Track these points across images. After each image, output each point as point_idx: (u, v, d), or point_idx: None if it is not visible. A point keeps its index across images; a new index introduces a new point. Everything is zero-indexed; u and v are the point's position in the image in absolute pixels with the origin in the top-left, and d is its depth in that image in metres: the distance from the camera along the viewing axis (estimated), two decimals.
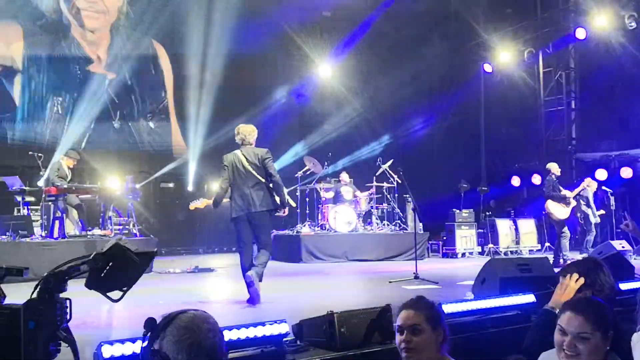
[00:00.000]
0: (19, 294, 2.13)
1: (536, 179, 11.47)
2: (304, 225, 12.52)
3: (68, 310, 2.04)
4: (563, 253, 10.55)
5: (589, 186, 12.52)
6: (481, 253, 13.22)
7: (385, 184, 13.05)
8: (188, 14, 14.36)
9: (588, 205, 12.33)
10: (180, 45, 14.52)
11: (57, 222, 9.53)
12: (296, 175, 12.63)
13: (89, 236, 9.68)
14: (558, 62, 16.72)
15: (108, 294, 2.12)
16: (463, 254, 13.14)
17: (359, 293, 7.67)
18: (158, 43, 15.04)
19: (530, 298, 4.50)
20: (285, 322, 3.55)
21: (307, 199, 12.91)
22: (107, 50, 14.35)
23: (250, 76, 14.36)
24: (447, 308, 4.08)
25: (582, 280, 2.99)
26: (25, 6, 13.27)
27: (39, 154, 10.57)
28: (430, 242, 13.35)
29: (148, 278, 9.01)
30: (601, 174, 14.27)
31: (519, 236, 13.61)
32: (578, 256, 9.88)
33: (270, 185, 6.52)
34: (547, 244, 13.45)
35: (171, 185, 14.65)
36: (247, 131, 6.62)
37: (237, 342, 3.37)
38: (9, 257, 7.92)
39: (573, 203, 10.85)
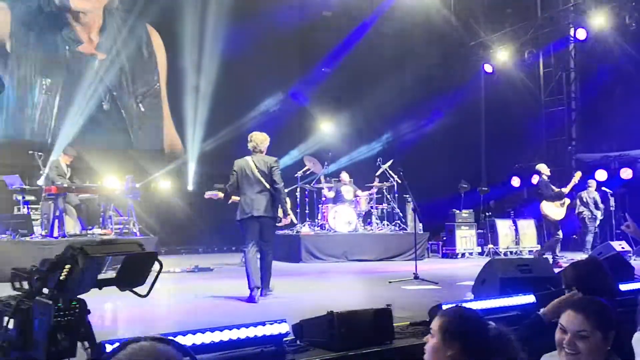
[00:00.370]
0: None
1: (536, 180, 11.51)
2: (304, 225, 12.52)
3: None
4: (556, 254, 10.58)
5: (589, 186, 12.55)
6: (481, 253, 13.22)
7: (385, 184, 13.05)
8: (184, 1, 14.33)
9: (587, 206, 12.35)
10: (176, 33, 14.38)
11: (57, 221, 9.52)
12: (296, 175, 12.62)
13: (89, 235, 9.67)
14: (558, 63, 16.73)
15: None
16: (463, 255, 13.14)
17: (358, 293, 7.67)
18: (152, 27, 14.93)
19: (530, 299, 4.51)
20: (285, 322, 3.56)
21: (307, 199, 12.91)
22: (99, 32, 14.18)
23: (248, 73, 14.31)
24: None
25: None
26: None
27: (39, 153, 10.57)
28: (430, 242, 13.36)
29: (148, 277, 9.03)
30: (601, 175, 14.27)
31: (518, 236, 13.62)
32: (579, 257, 9.88)
33: (274, 192, 6.79)
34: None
35: (171, 184, 14.64)
36: (260, 139, 6.93)
37: (237, 341, 3.38)
38: (9, 257, 7.90)
39: (567, 202, 10.83)
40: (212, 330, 3.32)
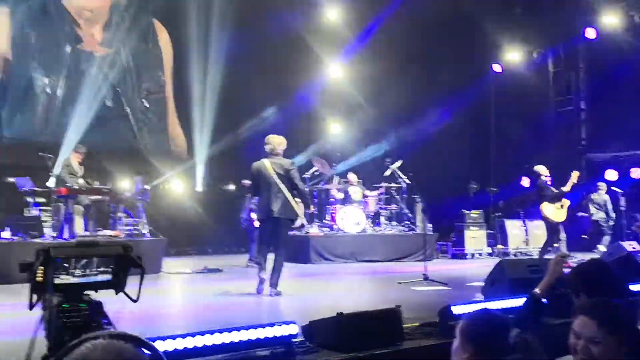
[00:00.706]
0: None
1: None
2: (313, 226, 12.51)
3: None
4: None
5: (600, 189, 12.48)
6: (490, 254, 13.17)
7: (394, 185, 13.02)
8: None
9: (600, 209, 12.27)
10: (182, 31, 14.35)
11: (67, 222, 9.58)
12: (304, 176, 12.62)
13: (98, 237, 9.71)
14: (568, 62, 16.64)
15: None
16: (472, 255, 13.09)
17: (367, 294, 7.67)
18: (159, 22, 14.90)
19: None
20: (295, 323, 3.56)
21: (316, 200, 12.91)
22: (103, 27, 14.14)
23: (255, 74, 14.33)
24: (457, 309, 4.07)
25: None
26: None
27: (49, 155, 10.62)
28: (439, 243, 13.32)
29: (158, 278, 9.06)
30: (611, 175, 14.18)
31: (528, 237, 13.55)
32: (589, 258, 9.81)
33: (295, 195, 6.98)
34: (556, 245, 13.36)
35: (180, 185, 14.68)
36: (277, 142, 7.07)
37: (247, 342, 3.38)
38: (20, 258, 7.93)
39: (567, 203, 10.72)
40: (222, 331, 3.33)
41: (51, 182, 10.43)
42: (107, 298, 2.30)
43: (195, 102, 14.60)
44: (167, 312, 5.85)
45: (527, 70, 16.45)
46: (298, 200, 7.15)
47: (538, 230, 13.65)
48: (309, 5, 15.59)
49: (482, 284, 5.98)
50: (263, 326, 3.43)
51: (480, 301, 5.02)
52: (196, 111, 14.59)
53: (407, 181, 12.46)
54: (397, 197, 13.17)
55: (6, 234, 8.97)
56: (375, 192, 13.12)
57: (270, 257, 7.01)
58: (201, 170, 14.75)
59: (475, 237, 13.20)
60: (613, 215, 12.34)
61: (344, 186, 12.99)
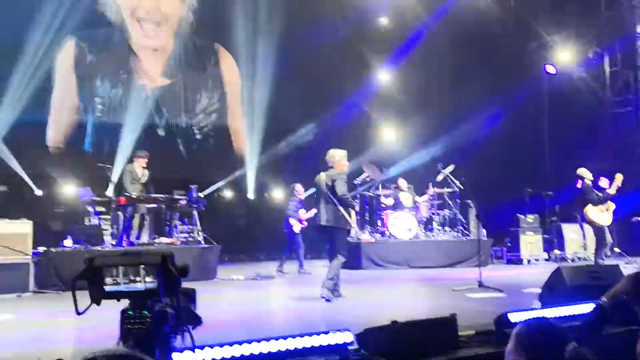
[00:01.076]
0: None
1: (603, 182, 11.12)
2: (364, 232, 12.50)
3: None
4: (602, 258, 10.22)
5: None
6: (547, 259, 12.88)
7: (446, 190, 12.88)
8: (248, 17, 14.49)
9: None
10: (243, 50, 14.59)
11: (125, 230, 9.89)
12: (355, 182, 12.63)
13: (156, 244, 9.97)
14: (625, 61, 16.10)
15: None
16: (528, 261, 12.82)
17: (421, 301, 7.60)
18: (221, 47, 15.03)
19: None
20: (349, 330, 3.57)
21: (367, 206, 12.89)
22: (166, 59, 14.42)
23: (306, 83, 14.45)
24: (514, 317, 4.01)
25: None
26: (86, 18, 13.18)
27: (108, 165, 10.98)
28: (494, 248, 13.11)
29: (212, 285, 9.23)
30: None
31: (586, 241, 13.16)
32: None
33: (338, 204, 7.36)
34: (617, 250, 12.95)
35: (232, 193, 14.90)
36: (330, 155, 7.60)
37: (301, 350, 3.41)
38: (81, 266, 8.23)
39: (612, 206, 10.41)
40: (277, 338, 3.37)
41: (110, 192, 10.77)
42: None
43: (246, 112, 14.82)
44: (221, 318, 5.93)
45: (582, 70, 16.00)
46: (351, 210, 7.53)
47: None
48: (359, 12, 15.62)
49: (539, 290, 5.84)
50: (318, 334, 3.46)
51: (538, 308, 4.91)
52: (246, 119, 14.80)
53: (460, 186, 12.31)
54: (450, 202, 13.01)
55: (68, 242, 9.32)
56: (425, 197, 13.00)
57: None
58: (252, 179, 14.92)
59: (531, 242, 12.94)
60: None
61: (394, 192, 12.93)
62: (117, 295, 2.19)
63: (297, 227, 11.21)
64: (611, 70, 16.33)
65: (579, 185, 10.87)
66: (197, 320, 2.32)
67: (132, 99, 13.67)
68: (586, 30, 15.36)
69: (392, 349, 3.61)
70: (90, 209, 10.75)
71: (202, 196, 11.54)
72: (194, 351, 2.82)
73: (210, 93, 15.05)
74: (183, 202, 10.80)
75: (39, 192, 12.16)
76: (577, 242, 13.15)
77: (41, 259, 8.61)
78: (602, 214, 10.29)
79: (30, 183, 12.10)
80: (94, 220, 10.63)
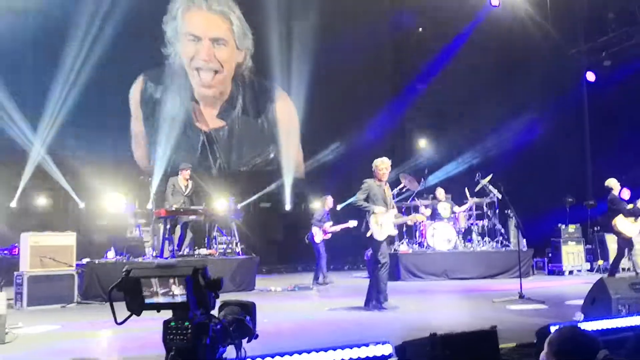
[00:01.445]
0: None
1: (625, 194, 10.90)
2: (402, 243, 12.43)
3: None
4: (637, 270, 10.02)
5: None
6: (590, 270, 12.62)
7: (485, 199, 12.72)
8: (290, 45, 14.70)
9: None
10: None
11: (166, 242, 10.05)
12: (392, 191, 12.57)
13: (196, 255, 10.10)
14: None
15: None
16: (570, 272, 12.57)
17: (461, 313, 7.52)
18: (279, 87, 15.24)
19: None
20: (389, 343, 3.57)
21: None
22: (224, 102, 14.78)
23: (342, 96, 14.53)
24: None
25: None
26: (153, 57, 13.92)
27: (149, 178, 11.20)
28: (535, 259, 12.91)
29: (250, 296, 9.29)
30: None
31: (631, 252, 12.80)
32: None
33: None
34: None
35: (270, 205, 15.02)
36: (374, 165, 7.64)
37: None
38: None
39: None
40: (318, 350, 3.40)
41: (150, 204, 10.98)
42: None
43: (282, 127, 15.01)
44: (260, 329, 5.98)
45: (623, 77, 15.64)
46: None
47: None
48: (397, 22, 15.67)
49: (582, 302, 5.73)
50: (359, 346, 3.47)
51: (580, 321, 4.82)
52: (282, 132, 14.95)
53: (499, 196, 12.15)
54: (489, 212, 12.85)
55: (111, 254, 9.53)
56: (464, 207, 12.86)
57: None
58: (289, 191, 15.01)
59: (573, 253, 12.69)
60: None
61: (432, 203, 12.83)
62: (156, 307, 2.24)
63: (318, 237, 11.18)
64: None
65: (625, 195, 10.76)
66: (250, 333, 2.36)
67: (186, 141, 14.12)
68: (626, 37, 15.02)
69: None
70: (132, 220, 10.98)
71: (240, 207, 11.66)
72: None
73: (265, 135, 15.30)
74: (221, 214, 10.93)
75: (82, 205, 12.47)
76: None
77: (85, 271, 8.83)
78: (632, 225, 10.21)
79: (74, 196, 12.41)
80: (136, 232, 10.84)
